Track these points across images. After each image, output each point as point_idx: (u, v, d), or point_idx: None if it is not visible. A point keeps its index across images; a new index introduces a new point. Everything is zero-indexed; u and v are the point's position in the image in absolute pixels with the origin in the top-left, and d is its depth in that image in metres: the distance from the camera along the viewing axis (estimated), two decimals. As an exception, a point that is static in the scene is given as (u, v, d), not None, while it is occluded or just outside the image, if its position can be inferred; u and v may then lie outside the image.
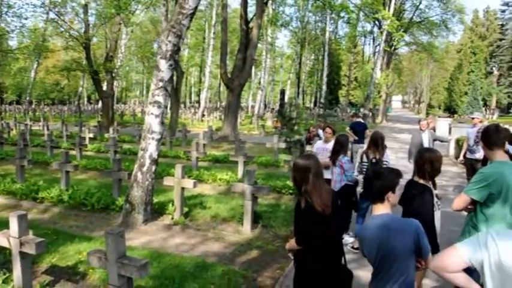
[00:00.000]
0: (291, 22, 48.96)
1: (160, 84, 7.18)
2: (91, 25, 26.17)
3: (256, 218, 7.36)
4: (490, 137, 3.74)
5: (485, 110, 55.88)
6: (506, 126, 9.44)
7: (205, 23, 47.33)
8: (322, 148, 7.86)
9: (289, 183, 10.19)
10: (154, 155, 7.35)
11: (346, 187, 6.55)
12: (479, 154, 9.19)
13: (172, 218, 7.50)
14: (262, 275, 5.45)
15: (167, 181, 7.68)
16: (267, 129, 27.82)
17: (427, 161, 3.79)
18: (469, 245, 2.09)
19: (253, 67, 36.24)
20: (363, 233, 2.82)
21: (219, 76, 30.73)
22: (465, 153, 9.93)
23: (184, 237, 6.83)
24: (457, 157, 16.49)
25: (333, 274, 3.37)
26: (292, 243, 3.48)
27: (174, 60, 7.32)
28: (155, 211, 7.75)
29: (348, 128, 13.20)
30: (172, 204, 7.67)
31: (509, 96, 57.72)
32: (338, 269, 3.43)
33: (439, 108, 66.92)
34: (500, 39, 63.42)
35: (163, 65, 7.16)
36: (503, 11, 67.06)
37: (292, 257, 3.68)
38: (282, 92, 24.78)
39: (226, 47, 24.29)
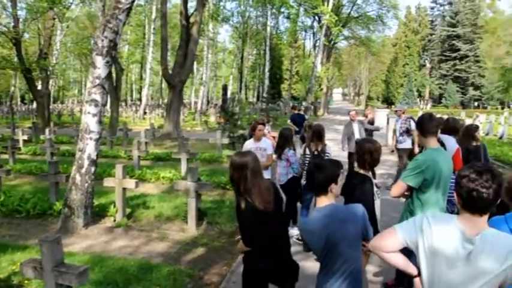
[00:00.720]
0: (232, 17, 49.00)
1: (97, 81, 6.91)
2: (21, 19, 24.78)
3: (201, 216, 7.28)
4: (425, 125, 3.92)
5: (420, 101, 58.56)
6: (439, 115, 9.97)
7: (145, 19, 46.23)
8: (254, 148, 6.56)
9: (234, 178, 10.18)
10: (93, 156, 7.08)
11: (292, 180, 6.62)
12: (407, 144, 9.93)
13: (114, 220, 7.27)
14: (209, 272, 5.40)
15: (108, 182, 7.42)
16: (210, 125, 27.66)
17: (366, 152, 3.86)
18: (405, 227, 2.19)
19: (194, 63, 35.86)
20: (308, 227, 2.80)
21: (160, 73, 30.11)
22: (396, 144, 10.49)
23: (127, 239, 6.64)
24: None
25: (280, 269, 3.36)
26: (241, 245, 3.39)
27: (111, 57, 7.07)
28: (96, 214, 7.48)
29: (289, 121, 13.49)
30: (114, 206, 7.43)
31: (440, 88, 60.64)
32: (285, 264, 3.43)
33: (378, 100, 69.41)
34: (431, 34, 66.55)
35: (100, 61, 6.90)
36: (432, 8, 70.48)
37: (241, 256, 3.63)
38: (225, 88, 24.78)
39: (167, 42, 23.85)
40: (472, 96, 59.31)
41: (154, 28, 37.52)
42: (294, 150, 7.01)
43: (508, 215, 2.46)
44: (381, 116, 21.24)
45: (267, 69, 42.64)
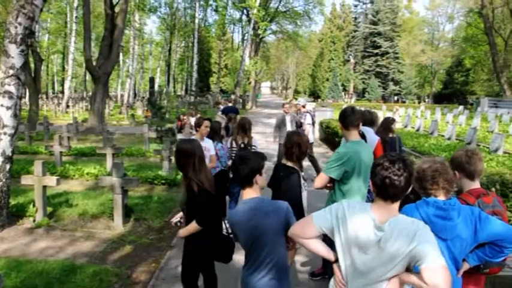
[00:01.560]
0: (160, 8, 47.90)
1: (11, 72, 6.43)
2: None
3: (128, 212, 7.06)
4: (347, 118, 4.05)
5: (345, 95, 60.76)
6: (362, 108, 10.41)
7: (67, 6, 43.82)
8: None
9: (161, 173, 9.99)
10: (8, 152, 6.60)
11: (220, 173, 6.59)
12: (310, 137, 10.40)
13: (34, 221, 6.84)
14: (137, 270, 5.26)
15: (25, 180, 6.95)
16: (138, 118, 26.92)
17: (294, 144, 3.91)
18: (321, 215, 2.29)
19: (120, 54, 34.63)
20: (235, 218, 2.82)
21: (84, 64, 28.76)
22: None
23: (49, 240, 6.27)
24: (321, 139, 17.67)
25: (221, 246, 3.62)
26: (190, 229, 3.55)
27: (26, 45, 6.59)
28: (13, 214, 6.99)
29: (220, 112, 13.46)
30: (34, 205, 6.98)
31: (364, 82, 63.18)
32: (224, 240, 3.64)
33: (305, 94, 71.05)
34: (355, 31, 69.09)
35: (14, 50, 6.42)
36: (356, 6, 73.25)
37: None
38: (152, 80, 24.19)
39: (90, 32, 22.77)
40: (392, 90, 62.39)
41: (76, 16, 35.56)
42: (222, 143, 6.98)
43: (419, 203, 2.60)
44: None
45: (195, 62, 42.15)
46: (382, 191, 2.14)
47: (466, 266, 2.68)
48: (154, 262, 5.50)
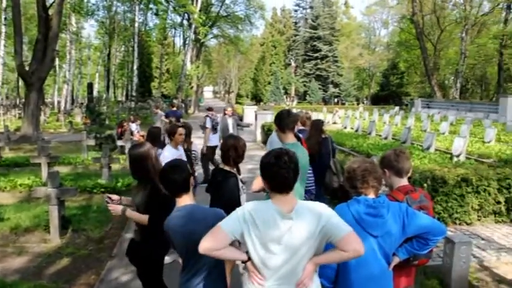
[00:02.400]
0: (98, 11, 46.38)
1: None
2: None
3: (66, 223, 6.79)
4: (283, 121, 4.11)
5: (286, 98, 61.73)
6: (304, 111, 10.62)
7: (-5, 7, 41.49)
8: (177, 156, 5.33)
9: (101, 181, 9.71)
10: None
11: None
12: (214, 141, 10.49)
13: (-40, 236, 6.44)
14: (76, 284, 5.08)
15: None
16: (76, 125, 25.99)
17: (231, 148, 3.91)
18: (229, 223, 2.34)
19: (56, 59, 33.29)
20: (169, 225, 2.78)
21: (16, 69, 27.32)
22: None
23: (-24, 256, 5.92)
24: (264, 142, 17.86)
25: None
26: (137, 216, 3.55)
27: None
28: None
29: (163, 117, 13.39)
30: (-41, 220, 6.58)
31: (304, 85, 64.52)
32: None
33: (247, 97, 71.49)
34: (295, 35, 70.47)
35: None
36: (296, 11, 74.84)
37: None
38: (90, 86, 23.43)
39: (22, 36, 21.70)
40: (332, 93, 64.14)
41: (6, 18, 33.64)
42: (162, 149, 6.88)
43: (350, 202, 2.70)
44: (249, 112, 22.00)
45: (135, 67, 41.18)
46: (275, 185, 2.31)
47: (396, 260, 2.79)
48: (94, 274, 5.33)
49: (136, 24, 42.36)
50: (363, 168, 2.70)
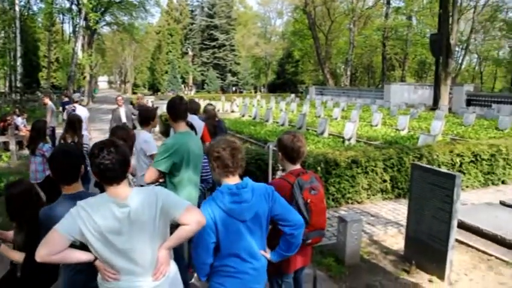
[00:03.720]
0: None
1: None
2: None
3: None
4: (175, 110, 3.99)
5: (184, 87, 61.08)
6: (201, 100, 10.62)
7: None
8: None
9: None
10: None
11: (51, 178, 6.04)
12: None
13: None
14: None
15: None
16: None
17: (119, 139, 3.77)
18: (65, 224, 2.22)
19: None
20: (54, 213, 2.56)
21: None
22: None
23: None
24: (161, 132, 17.53)
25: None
26: (16, 256, 3.18)
27: None
28: None
29: (54, 109, 12.62)
30: None
31: (202, 74, 64.25)
32: None
33: (144, 87, 69.53)
34: (192, 24, 69.67)
35: None
36: (192, -2, 73.88)
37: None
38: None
39: None
40: (231, 81, 64.65)
41: None
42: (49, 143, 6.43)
43: (215, 195, 2.65)
44: (146, 102, 21.41)
45: (19, 55, 37.89)
46: (102, 176, 2.27)
47: (268, 258, 2.82)
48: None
49: (17, 8, 38.89)
50: (233, 147, 2.67)
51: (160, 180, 3.92)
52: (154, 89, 63.27)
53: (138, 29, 51.13)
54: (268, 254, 2.81)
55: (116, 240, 2.23)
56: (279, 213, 2.72)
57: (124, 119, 10.42)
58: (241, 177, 2.73)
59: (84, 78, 44.86)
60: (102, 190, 3.68)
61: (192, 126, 4.37)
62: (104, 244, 2.23)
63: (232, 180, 2.66)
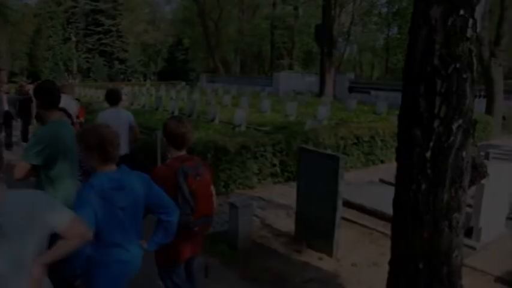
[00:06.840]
0: None
1: None
2: None
3: None
4: (46, 97, 3.55)
5: (68, 75, 57.33)
6: (87, 88, 10.14)
7: None
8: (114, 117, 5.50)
9: None
10: None
11: None
12: None
13: None
14: None
15: None
16: None
17: None
18: None
19: None
20: None
21: None
22: None
23: None
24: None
25: None
26: None
27: None
28: None
29: None
30: None
31: (88, 61, 60.88)
32: None
33: (23, 75, 63.97)
34: (75, 7, 65.30)
35: None
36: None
37: None
38: None
39: None
40: (119, 69, 61.98)
41: None
42: None
43: (92, 179, 2.54)
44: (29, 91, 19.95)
45: None
46: None
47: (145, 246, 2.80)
48: None
49: None
50: (113, 135, 2.58)
51: (34, 175, 3.45)
52: (34, 77, 58.42)
53: (14, 10, 46.77)
54: (145, 244, 2.78)
55: None
56: (155, 201, 2.70)
57: (6, 107, 10.67)
58: (117, 165, 2.64)
59: None
60: None
61: (66, 112, 3.97)
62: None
63: (110, 168, 2.56)
